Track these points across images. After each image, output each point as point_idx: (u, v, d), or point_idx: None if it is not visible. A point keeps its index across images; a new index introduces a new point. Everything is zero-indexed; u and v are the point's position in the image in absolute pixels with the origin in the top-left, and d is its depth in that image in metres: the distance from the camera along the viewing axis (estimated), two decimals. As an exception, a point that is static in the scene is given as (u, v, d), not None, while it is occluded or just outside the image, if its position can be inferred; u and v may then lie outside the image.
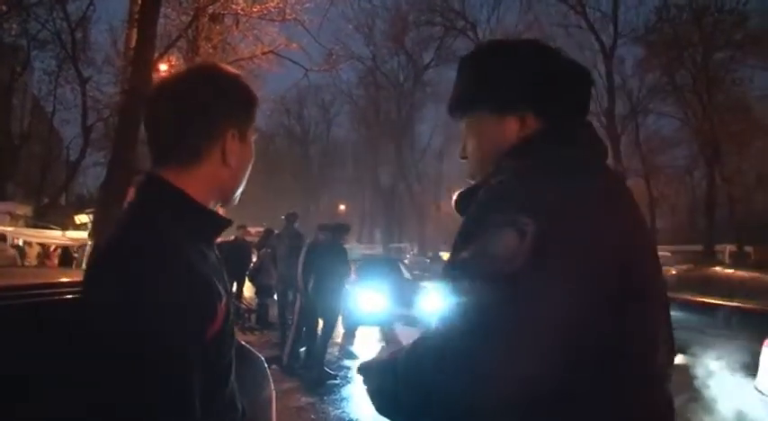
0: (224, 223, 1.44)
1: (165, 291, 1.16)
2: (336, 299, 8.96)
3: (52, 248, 18.27)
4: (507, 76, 1.40)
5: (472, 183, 1.47)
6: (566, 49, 1.54)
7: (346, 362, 9.90)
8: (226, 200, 1.44)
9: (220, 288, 1.31)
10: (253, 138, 1.45)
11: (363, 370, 1.37)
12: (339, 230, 9.31)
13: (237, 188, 1.45)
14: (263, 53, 17.87)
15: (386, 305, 12.81)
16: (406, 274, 16.63)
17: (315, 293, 8.72)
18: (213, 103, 1.36)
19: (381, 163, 47.17)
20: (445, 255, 38.90)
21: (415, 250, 46.41)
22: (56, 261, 16.92)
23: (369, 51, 44.07)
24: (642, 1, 48.71)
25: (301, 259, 8.85)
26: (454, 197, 1.51)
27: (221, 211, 1.50)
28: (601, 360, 1.14)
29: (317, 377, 8.52)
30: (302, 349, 9.29)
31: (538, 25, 31.85)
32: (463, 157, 1.53)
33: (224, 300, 1.31)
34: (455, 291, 1.13)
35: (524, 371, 1.05)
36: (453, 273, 1.18)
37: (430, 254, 41.33)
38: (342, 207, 58.18)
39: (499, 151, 1.38)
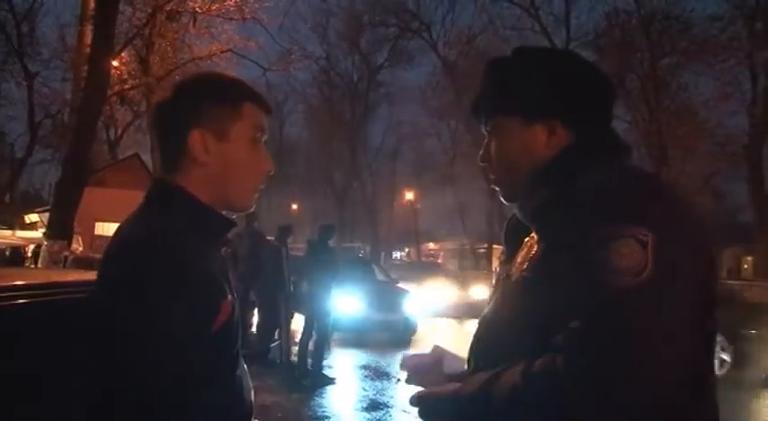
0: (227, 224, 1.44)
1: (169, 287, 1.20)
2: (328, 300, 9.03)
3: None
4: (540, 84, 1.37)
5: (496, 188, 1.47)
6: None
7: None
8: (229, 203, 1.43)
9: (225, 286, 1.36)
10: (249, 137, 1.42)
11: (426, 402, 1.34)
12: (326, 230, 9.44)
13: (238, 191, 1.43)
14: (221, 52, 17.74)
15: (361, 309, 12.56)
16: (380, 276, 15.94)
17: (308, 295, 8.84)
18: (176, 103, 1.41)
19: (335, 162, 47.05)
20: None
21: (368, 250, 46.47)
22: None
23: (323, 51, 43.99)
24: (593, 6, 49.64)
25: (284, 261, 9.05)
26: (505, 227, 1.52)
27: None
28: (706, 374, 1.17)
29: (314, 382, 8.55)
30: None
31: (492, 28, 32.28)
32: (483, 162, 1.48)
33: (229, 297, 1.35)
34: (578, 311, 1.09)
35: (670, 397, 1.03)
36: (576, 291, 1.11)
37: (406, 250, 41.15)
38: (294, 206, 57.75)
39: (527, 159, 1.36)
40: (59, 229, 11.25)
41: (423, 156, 46.48)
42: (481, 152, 1.49)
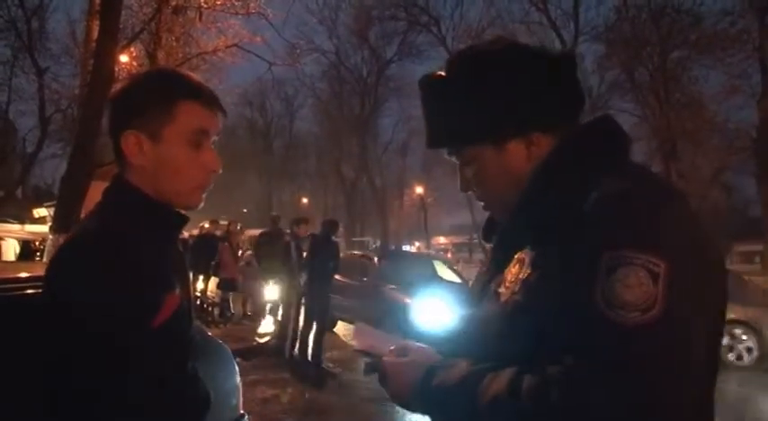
0: (177, 219, 1.45)
1: (101, 282, 1.21)
2: (328, 293, 9.09)
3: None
4: (498, 99, 1.24)
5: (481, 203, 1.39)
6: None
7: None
8: (170, 201, 1.42)
9: (174, 280, 1.38)
10: (186, 138, 1.38)
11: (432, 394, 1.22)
12: (331, 225, 9.51)
13: (176, 190, 1.41)
14: (227, 47, 17.76)
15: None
16: (451, 276, 13.41)
17: (307, 287, 8.88)
18: (114, 105, 1.42)
19: (344, 157, 47.03)
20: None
21: (378, 244, 46.48)
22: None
23: (332, 45, 43.97)
24: (603, 0, 49.26)
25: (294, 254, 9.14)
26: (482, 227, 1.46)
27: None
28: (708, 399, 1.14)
29: (316, 374, 8.58)
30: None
31: (500, 22, 32.09)
32: (465, 191, 1.38)
33: (176, 291, 1.36)
34: (577, 343, 1.02)
35: None
36: (578, 320, 1.03)
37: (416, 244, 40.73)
38: (304, 200, 57.88)
39: (511, 180, 1.26)
40: (65, 223, 11.29)
41: (432, 150, 46.15)
42: (459, 182, 1.39)
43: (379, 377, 1.36)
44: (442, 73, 1.33)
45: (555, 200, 1.16)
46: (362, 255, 14.76)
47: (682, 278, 1.00)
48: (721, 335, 1.13)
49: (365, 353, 1.45)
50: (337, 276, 9.90)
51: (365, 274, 12.29)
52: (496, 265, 1.34)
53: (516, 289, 1.19)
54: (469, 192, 1.39)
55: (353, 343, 1.49)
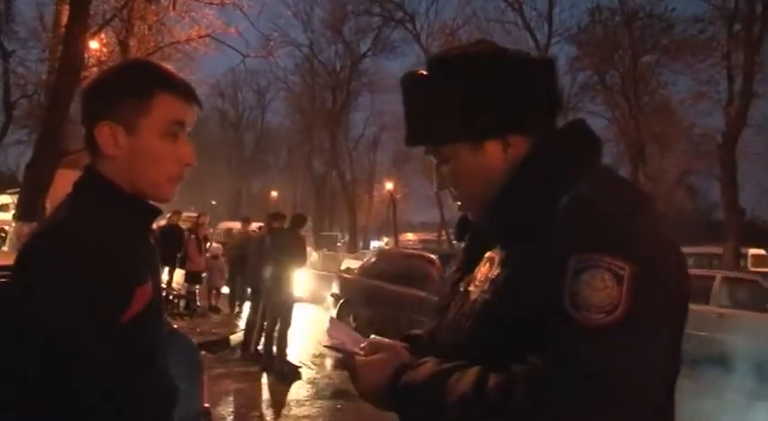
0: (149, 211, 1.44)
1: (74, 276, 1.20)
2: (293, 288, 9.06)
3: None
4: (478, 99, 1.26)
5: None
6: (502, 45, 1.35)
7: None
8: (143, 193, 1.40)
9: (145, 273, 1.36)
10: (161, 130, 1.37)
11: (405, 390, 1.23)
12: (298, 220, 9.49)
13: (149, 182, 1.39)
14: (200, 37, 17.59)
15: None
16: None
17: (272, 281, 8.84)
18: (88, 96, 1.41)
19: (315, 151, 46.93)
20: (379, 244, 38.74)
21: (346, 239, 46.47)
22: None
23: (306, 39, 43.79)
24: (576, 2, 49.89)
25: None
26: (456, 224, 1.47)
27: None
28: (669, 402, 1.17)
29: (280, 369, 8.56)
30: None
31: (475, 20, 32.26)
32: (441, 189, 1.39)
33: (147, 284, 1.35)
34: (542, 342, 1.05)
35: None
36: (546, 321, 1.06)
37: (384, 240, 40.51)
38: (274, 193, 57.61)
39: (487, 181, 1.27)
40: (29, 212, 11.13)
41: (403, 146, 45.81)
42: (435, 181, 1.40)
43: (349, 375, 1.37)
44: (424, 71, 1.34)
45: (528, 201, 1.18)
46: (420, 256, 10.48)
47: (645, 281, 1.03)
48: (682, 336, 1.15)
49: (335, 349, 1.44)
50: (391, 285, 9.42)
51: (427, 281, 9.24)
52: (468, 265, 1.36)
53: (485, 288, 1.21)
54: (444, 192, 1.40)
55: (324, 339, 1.46)
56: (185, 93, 1.42)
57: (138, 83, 1.37)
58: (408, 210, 52.18)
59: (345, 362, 1.39)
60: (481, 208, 1.30)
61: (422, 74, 1.35)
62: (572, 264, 1.05)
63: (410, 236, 51.52)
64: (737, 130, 19.94)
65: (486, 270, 1.25)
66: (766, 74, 21.06)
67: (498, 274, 1.19)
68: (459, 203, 1.38)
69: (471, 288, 1.27)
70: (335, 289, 11.83)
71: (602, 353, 1.00)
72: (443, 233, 39.74)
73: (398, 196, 45.97)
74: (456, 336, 1.25)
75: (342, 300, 11.22)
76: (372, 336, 1.44)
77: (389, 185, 44.38)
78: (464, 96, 1.26)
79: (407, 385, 1.21)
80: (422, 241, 44.52)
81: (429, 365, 1.21)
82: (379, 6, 38.01)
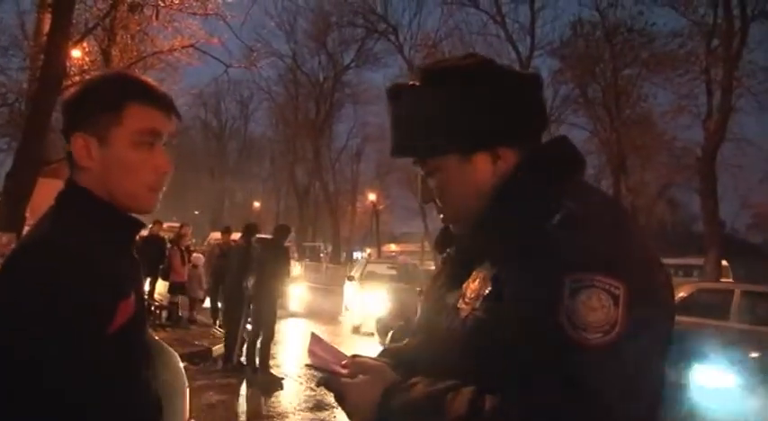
0: (130, 224, 1.44)
1: (55, 290, 1.19)
2: (276, 299, 9.03)
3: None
4: (469, 110, 1.25)
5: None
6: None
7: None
8: (123, 205, 1.40)
9: (129, 287, 1.36)
10: (133, 140, 1.37)
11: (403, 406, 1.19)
12: (282, 231, 9.46)
13: (126, 193, 1.39)
14: (183, 47, 17.52)
15: None
16: None
17: (255, 293, 8.79)
18: (66, 108, 1.43)
19: (298, 161, 46.88)
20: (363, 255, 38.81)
21: (329, 250, 46.39)
22: None
23: (290, 49, 43.82)
24: (558, 16, 50.29)
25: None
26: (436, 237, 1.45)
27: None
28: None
29: (263, 380, 8.51)
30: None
31: (458, 33, 32.37)
32: (426, 202, 1.38)
33: (130, 298, 1.34)
34: (538, 361, 1.05)
35: None
36: (542, 340, 1.05)
37: (367, 250, 41.03)
38: (256, 204, 57.48)
39: (474, 194, 1.27)
40: (9, 221, 11.00)
41: (386, 157, 45.98)
42: (420, 193, 1.38)
43: (335, 396, 1.33)
44: (414, 82, 1.33)
45: (518, 218, 1.17)
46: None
47: (640, 300, 1.04)
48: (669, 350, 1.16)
49: (318, 369, 1.39)
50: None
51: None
52: (453, 279, 1.33)
53: (477, 305, 1.19)
54: (427, 205, 1.39)
55: (308, 357, 1.41)
56: (159, 102, 1.41)
57: (111, 93, 1.38)
58: (391, 221, 52.33)
59: (330, 383, 1.35)
60: (466, 221, 1.29)
61: (412, 85, 1.33)
62: (567, 283, 1.05)
63: (393, 246, 51.59)
64: (716, 144, 20.14)
65: (476, 286, 1.23)
66: (745, 89, 21.33)
67: (490, 292, 1.18)
68: (442, 216, 1.37)
69: (461, 304, 1.24)
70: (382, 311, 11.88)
71: (601, 373, 1.01)
72: (426, 244, 39.85)
73: (381, 207, 46.06)
74: (446, 354, 1.23)
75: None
76: (354, 354, 1.40)
77: (372, 196, 44.45)
78: (455, 108, 1.26)
79: (400, 407, 1.18)
80: (404, 252, 44.62)
81: (421, 386, 1.18)
82: (363, 18, 38.11)
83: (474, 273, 1.26)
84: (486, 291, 1.19)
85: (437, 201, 1.35)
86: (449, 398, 1.12)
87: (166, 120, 1.43)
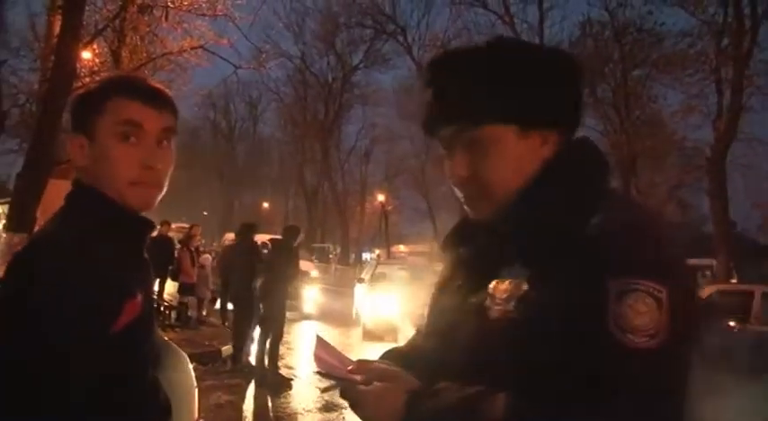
0: (139, 223, 1.44)
1: (61, 288, 1.20)
2: (285, 300, 9.03)
3: None
4: (540, 85, 1.22)
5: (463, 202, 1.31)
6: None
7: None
8: (124, 203, 1.39)
9: (135, 286, 1.36)
10: (116, 131, 1.36)
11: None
12: (292, 231, 9.44)
13: (112, 188, 1.37)
14: (192, 48, 17.58)
15: None
16: None
17: (264, 294, 8.79)
18: (69, 111, 1.50)
19: (307, 162, 46.97)
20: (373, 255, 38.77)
21: (338, 251, 46.42)
22: None
23: (298, 50, 43.96)
24: (567, 15, 50.16)
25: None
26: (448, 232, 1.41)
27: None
28: None
29: (272, 381, 8.51)
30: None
31: (467, 33, 32.33)
32: (460, 176, 1.27)
33: (137, 298, 1.34)
34: (581, 364, 1.04)
35: None
36: (588, 345, 1.04)
37: (376, 251, 41.10)
38: (265, 205, 57.60)
39: (518, 175, 1.23)
40: (20, 222, 11.06)
41: (395, 158, 46.59)
42: (453, 168, 1.28)
43: (350, 404, 1.27)
44: (477, 47, 1.29)
45: (552, 219, 1.15)
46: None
47: (681, 303, 1.05)
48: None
49: (328, 377, 1.32)
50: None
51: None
52: (472, 280, 1.28)
53: (511, 307, 1.15)
54: (453, 180, 1.30)
55: (314, 362, 1.35)
56: (140, 94, 1.39)
57: (98, 93, 1.42)
58: (400, 222, 52.26)
59: (344, 390, 1.29)
60: (492, 205, 1.25)
61: (481, 49, 1.28)
62: (612, 286, 1.04)
63: (402, 247, 51.57)
64: (726, 144, 20.04)
65: (507, 287, 1.18)
66: (755, 88, 21.21)
67: (526, 293, 1.14)
68: (465, 195, 1.30)
69: (489, 304, 1.19)
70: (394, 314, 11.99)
71: (652, 375, 1.02)
72: (435, 245, 39.79)
73: (390, 208, 46.04)
74: (473, 357, 1.17)
75: None
76: (359, 359, 1.34)
77: (381, 197, 44.46)
78: (525, 80, 1.22)
79: (431, 414, 1.13)
80: (413, 253, 44.59)
81: (450, 393, 1.14)
82: (371, 19, 38.19)
83: (503, 273, 1.20)
84: (521, 292, 1.15)
85: (467, 179, 1.27)
86: (485, 404, 1.09)
87: (152, 112, 1.39)
